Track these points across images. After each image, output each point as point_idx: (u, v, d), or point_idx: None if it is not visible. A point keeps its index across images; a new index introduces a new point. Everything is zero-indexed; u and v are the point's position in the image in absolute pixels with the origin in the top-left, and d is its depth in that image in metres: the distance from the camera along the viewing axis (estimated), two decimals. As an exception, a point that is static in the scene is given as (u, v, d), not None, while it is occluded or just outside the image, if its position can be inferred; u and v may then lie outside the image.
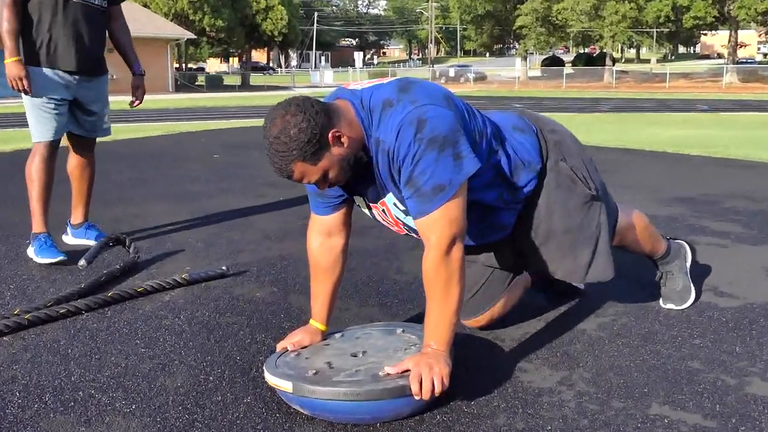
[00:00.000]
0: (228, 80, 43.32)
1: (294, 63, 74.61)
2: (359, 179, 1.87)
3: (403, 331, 2.03)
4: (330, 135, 1.70)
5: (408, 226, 2.00)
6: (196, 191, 5.22)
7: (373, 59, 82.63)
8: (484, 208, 2.00)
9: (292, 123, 1.67)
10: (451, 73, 43.51)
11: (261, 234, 3.83)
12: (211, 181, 5.75)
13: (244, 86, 39.44)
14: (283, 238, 3.74)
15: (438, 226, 1.73)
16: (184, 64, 46.05)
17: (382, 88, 1.80)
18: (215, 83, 39.82)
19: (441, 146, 1.70)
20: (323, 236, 2.03)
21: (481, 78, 42.75)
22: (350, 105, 1.78)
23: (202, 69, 58.02)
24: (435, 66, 51.92)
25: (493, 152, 1.94)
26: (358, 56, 48.87)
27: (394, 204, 1.93)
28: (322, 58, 72.20)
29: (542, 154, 2.04)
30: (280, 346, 2.03)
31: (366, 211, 2.04)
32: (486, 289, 2.22)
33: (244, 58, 47.37)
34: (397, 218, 1.99)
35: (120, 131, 10.65)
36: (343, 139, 1.73)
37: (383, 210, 1.99)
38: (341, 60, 77.46)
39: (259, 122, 12.85)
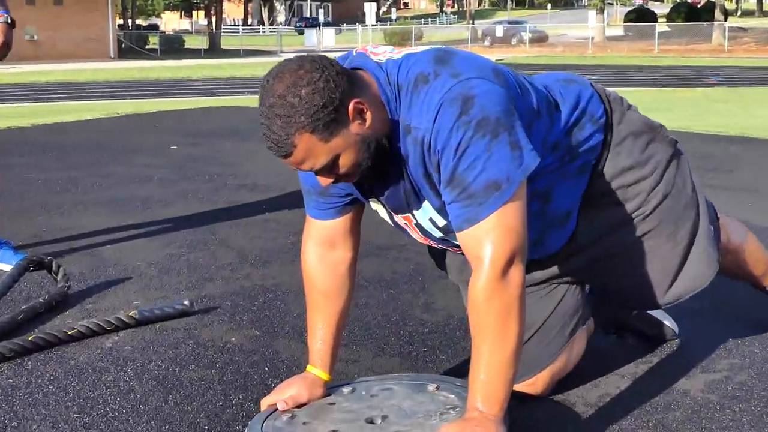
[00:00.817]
0: (190, 42, 43.70)
1: (281, 18, 75.05)
2: (378, 178, 1.91)
3: (438, 387, 2.03)
4: (351, 105, 1.75)
5: (451, 243, 2.03)
6: (147, 196, 5.26)
7: (390, 13, 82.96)
8: (543, 194, 2.03)
9: (305, 80, 1.71)
10: (499, 32, 43.58)
11: (236, 255, 3.85)
12: (167, 181, 5.79)
13: (213, 51, 39.81)
14: (267, 261, 3.77)
15: (492, 237, 1.76)
16: (130, 21, 46.46)
17: (412, 59, 1.84)
18: (173, 46, 40.24)
19: (494, 131, 1.75)
20: (324, 248, 2.08)
21: (540, 39, 42.81)
22: (372, 78, 1.83)
23: (155, 27, 58.53)
24: (476, 22, 51.97)
25: (551, 131, 1.99)
26: (369, 8, 49.00)
27: (430, 219, 1.97)
28: (321, 11, 72.60)
29: (605, 106, 2.11)
30: (266, 404, 2.05)
31: (383, 214, 2.07)
32: (545, 334, 2.21)
33: (213, 12, 47.69)
34: (429, 235, 2.03)
35: (41, 112, 10.77)
36: (366, 115, 1.77)
37: (406, 223, 2.03)
38: (346, 14, 77.86)
39: (235, 101, 12.97)
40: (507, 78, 1.86)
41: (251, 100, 12.74)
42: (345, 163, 1.79)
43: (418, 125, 1.79)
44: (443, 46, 1.90)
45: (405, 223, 2.02)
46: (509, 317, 1.75)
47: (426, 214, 1.94)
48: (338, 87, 1.73)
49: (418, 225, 2.00)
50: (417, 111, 1.79)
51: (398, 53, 1.88)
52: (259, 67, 26.10)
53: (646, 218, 2.11)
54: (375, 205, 2.03)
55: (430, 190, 1.87)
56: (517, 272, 1.76)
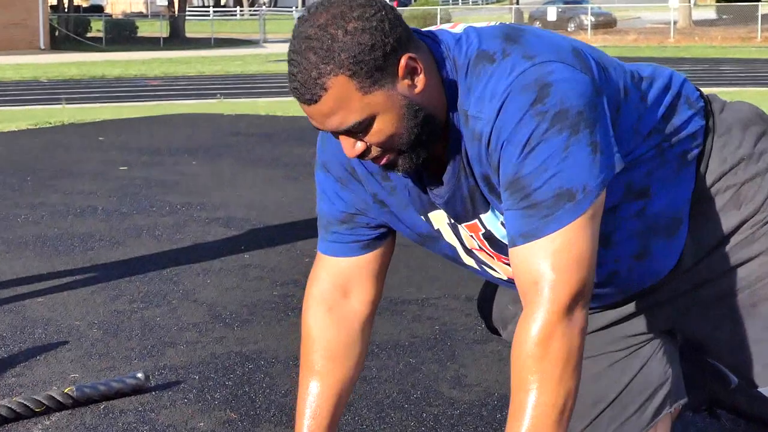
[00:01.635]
0: (146, 28, 43.89)
1: (265, -2, 75.25)
2: (428, 168, 1.93)
3: None
4: (403, 59, 1.82)
5: None
6: (89, 233, 5.28)
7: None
8: (641, 190, 2.04)
9: (356, 13, 1.79)
10: (552, 15, 43.50)
11: (206, 312, 3.87)
12: (114, 213, 5.81)
13: (175, 40, 39.97)
14: (247, 320, 3.77)
15: (555, 262, 1.80)
16: (67, 1, 46.79)
17: (473, 33, 1.93)
18: (123, 34, 40.45)
19: (574, 126, 1.81)
20: (335, 295, 2.13)
21: (606, 23, 42.75)
22: (429, 47, 1.91)
23: (99, 9, 58.98)
24: (522, 2, 51.93)
25: (643, 115, 2.03)
26: (381, -16, 49.26)
27: (503, 224, 1.96)
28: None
29: (699, 92, 2.17)
30: None
31: (450, 237, 2.07)
32: (620, 410, 2.18)
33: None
34: (504, 250, 2.01)
35: (-48, 123, 10.81)
36: (418, 78, 1.84)
37: (472, 236, 2.03)
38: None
39: (204, 106, 12.99)
40: (588, 60, 1.92)
41: (226, 105, 12.81)
42: (381, 128, 1.83)
43: (477, 114, 1.85)
44: (510, 23, 1.96)
45: (471, 235, 2.04)
46: (567, 367, 1.78)
47: (497, 217, 1.98)
48: (393, 32, 1.80)
49: (488, 236, 2.03)
50: (477, 97, 1.85)
51: (454, 26, 1.96)
52: (235, 61, 26.24)
53: (766, 226, 2.11)
54: (437, 222, 2.05)
55: (490, 194, 1.93)
56: (582, 313, 1.80)
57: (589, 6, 43.47)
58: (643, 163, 2.02)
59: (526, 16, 44.71)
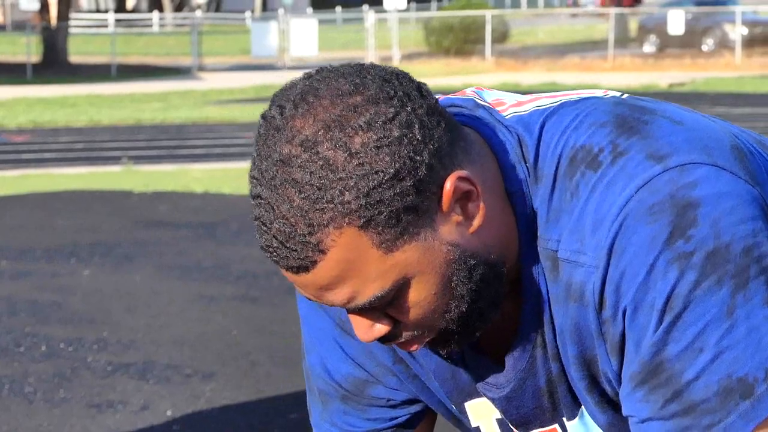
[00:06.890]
0: (2, 48, 38.41)
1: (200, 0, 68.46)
2: (476, 345, 1.60)
3: None
4: (450, 180, 1.45)
5: None
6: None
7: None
8: None
9: (365, 120, 1.40)
10: (675, 25, 32.49)
11: None
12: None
13: (52, 67, 32.24)
14: None
15: None
16: None
17: (568, 114, 1.55)
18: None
19: (738, 275, 1.46)
20: None
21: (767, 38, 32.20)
22: (490, 147, 1.54)
23: None
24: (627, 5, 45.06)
25: None
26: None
27: None
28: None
29: None
30: None
31: None
32: None
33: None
34: None
35: None
36: (474, 208, 1.47)
37: None
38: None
39: (101, 176, 11.75)
40: (755, 161, 1.56)
41: (137, 177, 11.37)
42: (417, 298, 1.45)
43: (572, 255, 1.48)
44: (630, 97, 1.59)
45: None
46: None
47: (587, 429, 1.65)
48: (429, 140, 1.41)
49: None
50: (572, 226, 1.48)
51: (530, 102, 1.59)
52: (152, 102, 22.50)
53: None
54: (477, 415, 1.72)
55: (589, 394, 1.57)
56: None
57: (739, 9, 33.17)
58: None
59: (633, 26, 37.74)
